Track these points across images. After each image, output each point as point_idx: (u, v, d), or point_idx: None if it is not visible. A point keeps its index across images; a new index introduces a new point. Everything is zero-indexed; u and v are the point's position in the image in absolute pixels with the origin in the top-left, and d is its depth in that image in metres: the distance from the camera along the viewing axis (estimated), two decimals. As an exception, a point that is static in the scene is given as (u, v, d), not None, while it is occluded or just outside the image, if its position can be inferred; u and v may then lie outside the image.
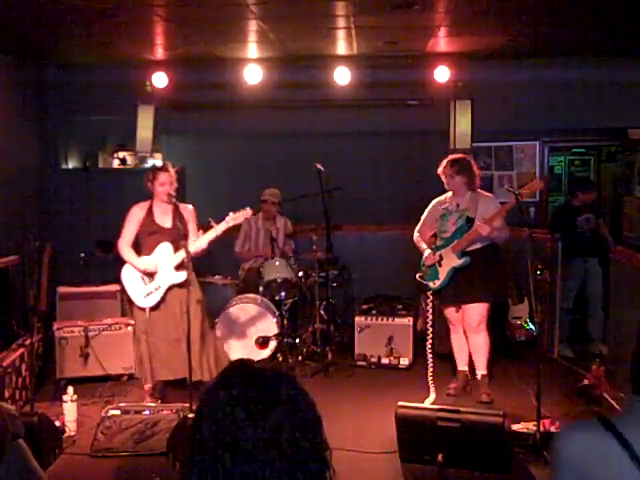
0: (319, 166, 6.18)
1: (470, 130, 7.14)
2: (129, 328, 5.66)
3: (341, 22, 5.74)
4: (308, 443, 1.29)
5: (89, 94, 7.52)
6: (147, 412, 4.57)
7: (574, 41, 6.56)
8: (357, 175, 7.88)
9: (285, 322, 6.32)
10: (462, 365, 5.52)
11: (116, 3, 4.89)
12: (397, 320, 6.34)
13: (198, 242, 5.09)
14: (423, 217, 5.58)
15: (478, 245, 5.23)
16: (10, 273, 6.04)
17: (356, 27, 5.83)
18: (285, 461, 1.26)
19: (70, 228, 7.31)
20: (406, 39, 6.33)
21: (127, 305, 5.46)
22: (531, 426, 4.48)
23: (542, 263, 4.98)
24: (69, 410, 4.71)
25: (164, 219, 5.19)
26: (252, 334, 6.13)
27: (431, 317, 5.45)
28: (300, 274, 6.57)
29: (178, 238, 5.04)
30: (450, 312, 5.44)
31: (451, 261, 5.28)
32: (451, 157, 5.47)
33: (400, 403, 4.15)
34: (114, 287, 6.23)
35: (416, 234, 5.59)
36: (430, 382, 5.34)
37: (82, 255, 6.70)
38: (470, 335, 5.34)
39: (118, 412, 4.55)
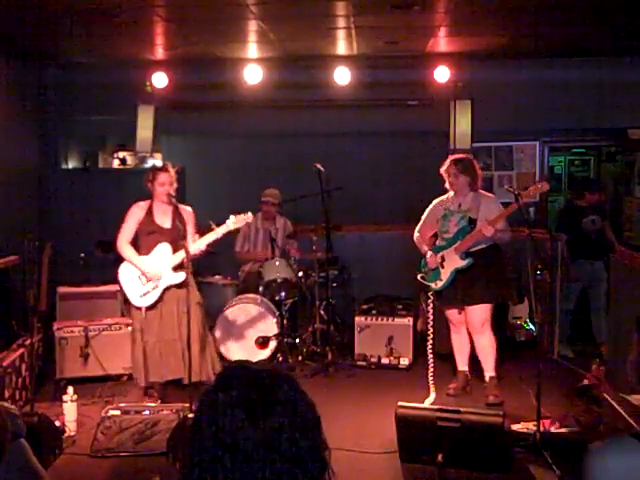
0: (319, 166, 6.18)
1: (470, 130, 7.14)
2: (129, 328, 5.65)
3: (341, 22, 5.74)
4: (308, 443, 1.29)
5: (89, 94, 7.52)
6: (147, 412, 4.57)
7: (574, 41, 6.56)
8: (357, 175, 7.88)
9: (285, 322, 6.31)
10: (462, 365, 5.51)
11: (116, 3, 4.89)
12: (397, 320, 6.34)
13: (197, 244, 5.09)
14: (424, 217, 5.55)
15: (481, 246, 5.21)
16: (10, 273, 6.04)
17: (356, 27, 5.83)
18: (285, 462, 1.26)
19: (70, 228, 7.32)
20: (406, 39, 6.34)
21: (124, 304, 5.46)
22: (531, 426, 4.48)
23: (542, 263, 4.97)
24: (69, 410, 4.70)
25: (164, 219, 5.18)
26: (252, 334, 6.14)
27: (432, 317, 5.45)
28: (300, 274, 6.57)
29: (177, 239, 5.04)
30: (452, 313, 5.43)
31: (454, 262, 5.25)
32: (454, 157, 5.44)
33: (400, 403, 4.15)
34: (114, 287, 6.20)
35: (416, 234, 5.57)
36: (430, 382, 5.34)
37: (82, 255, 6.70)
38: (475, 336, 5.33)
39: (118, 412, 4.55)
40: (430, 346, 5.41)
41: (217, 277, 6.78)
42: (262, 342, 6.10)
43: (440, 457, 3.90)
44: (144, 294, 5.10)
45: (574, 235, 6.45)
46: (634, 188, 7.96)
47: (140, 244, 5.17)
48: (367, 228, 7.86)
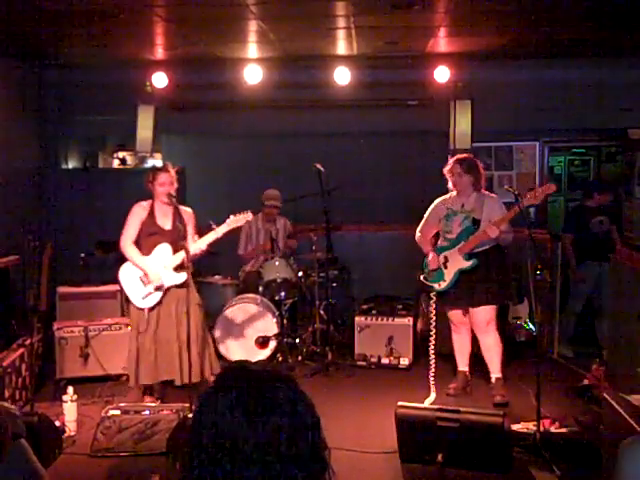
0: (319, 166, 6.19)
1: (470, 130, 7.14)
2: (129, 328, 5.65)
3: (341, 22, 5.74)
4: (307, 444, 1.29)
5: (89, 94, 7.52)
6: (147, 412, 4.57)
7: (574, 41, 6.55)
8: (357, 175, 7.89)
9: (285, 322, 6.32)
10: (462, 365, 5.51)
11: (116, 3, 4.89)
12: (397, 320, 6.34)
13: (198, 244, 5.09)
14: (425, 217, 5.52)
15: (484, 247, 5.18)
16: (10, 273, 6.04)
17: (356, 27, 5.83)
18: (284, 462, 1.26)
19: (70, 228, 7.32)
20: (406, 39, 6.33)
21: (125, 304, 5.46)
22: (531, 426, 4.48)
23: (542, 263, 4.97)
24: (69, 410, 4.71)
25: (164, 221, 5.18)
26: (252, 334, 6.14)
27: (434, 318, 5.43)
28: (300, 274, 6.58)
29: (177, 239, 5.04)
30: (455, 314, 5.41)
31: (457, 263, 5.23)
32: (458, 156, 5.40)
33: (400, 403, 4.15)
34: (114, 287, 6.21)
35: (418, 234, 5.54)
36: (432, 382, 5.34)
37: (82, 255, 6.70)
38: (480, 337, 5.32)
39: (118, 412, 4.55)
40: (432, 346, 5.41)
41: (217, 277, 6.78)
42: (262, 342, 6.11)
43: (440, 457, 3.90)
44: (146, 295, 5.10)
45: (582, 236, 6.39)
46: (634, 188, 7.96)
47: (141, 245, 5.17)
48: (367, 228, 7.86)
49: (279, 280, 6.30)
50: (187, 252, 4.82)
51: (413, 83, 7.37)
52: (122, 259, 5.25)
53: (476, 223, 5.20)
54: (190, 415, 4.31)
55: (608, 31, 6.12)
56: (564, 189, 9.45)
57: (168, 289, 5.11)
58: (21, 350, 5.29)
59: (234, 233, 6.42)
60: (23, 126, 7.18)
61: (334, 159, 6.99)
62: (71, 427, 4.68)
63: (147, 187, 5.17)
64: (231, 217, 5.11)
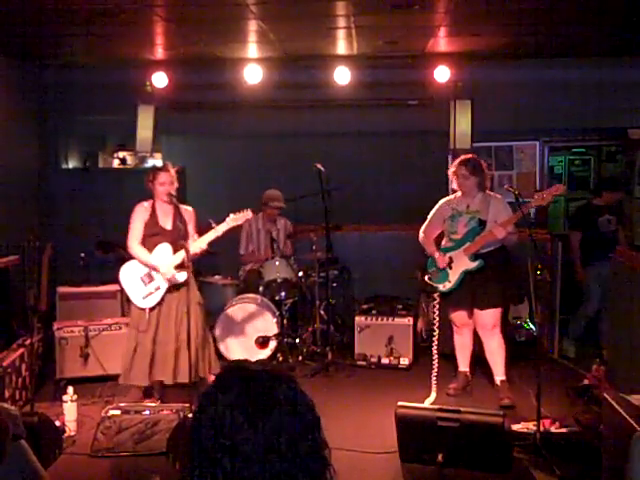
0: (319, 166, 6.18)
1: (470, 130, 7.13)
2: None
3: (341, 22, 5.74)
4: (308, 444, 1.29)
5: (89, 94, 7.51)
6: (147, 412, 4.57)
7: (574, 41, 6.56)
8: (357, 175, 7.89)
9: (285, 322, 6.32)
10: (463, 366, 5.51)
11: (116, 3, 4.89)
12: (397, 320, 6.34)
13: (198, 242, 5.10)
14: (429, 217, 5.48)
15: (490, 248, 5.16)
16: (10, 273, 6.04)
17: (356, 27, 5.83)
18: (285, 462, 1.26)
19: (70, 228, 7.32)
20: (406, 39, 6.33)
21: (126, 304, 5.45)
22: (531, 426, 4.48)
23: (542, 263, 4.97)
24: (69, 410, 4.71)
25: (165, 220, 5.19)
26: (252, 334, 6.14)
27: (437, 319, 5.41)
28: (300, 274, 6.58)
29: (178, 239, 5.05)
30: (458, 315, 5.38)
31: (463, 264, 5.21)
32: (463, 157, 5.35)
33: (400, 403, 4.15)
34: (114, 287, 6.21)
35: (421, 234, 5.49)
36: (433, 382, 5.33)
37: (82, 255, 6.70)
38: (485, 339, 5.30)
39: (118, 412, 4.55)
40: (435, 346, 5.41)
41: (217, 277, 6.78)
42: (262, 342, 6.11)
43: (440, 457, 3.90)
44: (147, 295, 5.11)
45: (589, 234, 6.33)
46: (634, 188, 7.96)
47: (143, 245, 5.17)
48: (367, 228, 7.86)
49: (279, 280, 6.30)
50: (187, 252, 4.83)
51: (413, 83, 7.37)
52: (122, 259, 5.25)
53: (482, 224, 5.18)
54: (190, 415, 4.31)
55: (608, 31, 6.13)
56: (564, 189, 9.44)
57: (169, 289, 5.11)
58: (21, 350, 5.29)
59: (234, 232, 6.43)
60: (23, 126, 7.18)
61: (334, 159, 6.98)
62: (71, 427, 4.68)
63: (147, 187, 5.17)
64: (231, 215, 5.12)
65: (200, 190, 7.62)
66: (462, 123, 7.14)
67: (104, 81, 7.35)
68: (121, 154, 8.26)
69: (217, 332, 6.10)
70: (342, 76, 7.04)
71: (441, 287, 5.33)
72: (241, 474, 1.25)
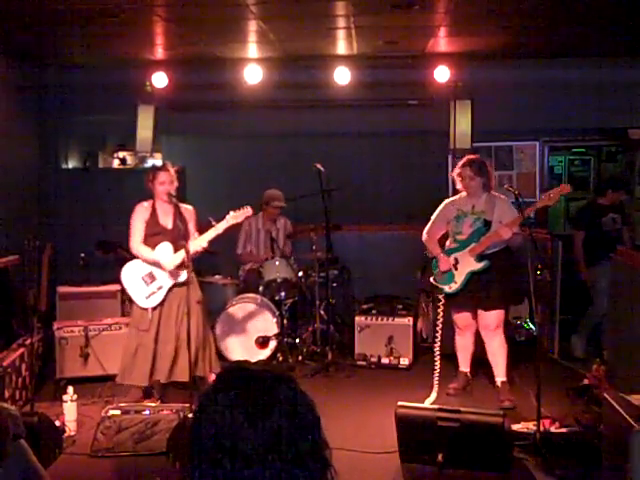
0: (319, 166, 6.19)
1: (470, 130, 7.13)
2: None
3: (341, 22, 5.74)
4: (308, 444, 1.29)
5: (89, 94, 7.51)
6: (147, 412, 4.57)
7: (574, 41, 6.56)
8: (357, 175, 7.89)
9: (285, 322, 6.32)
10: (464, 366, 5.50)
11: (116, 3, 4.89)
12: (397, 320, 6.34)
13: (199, 241, 5.10)
14: (433, 218, 5.45)
15: (495, 249, 5.14)
16: (10, 273, 6.04)
17: (356, 27, 5.83)
18: (285, 463, 1.26)
19: (70, 228, 7.31)
20: (406, 39, 6.33)
21: (129, 304, 5.45)
22: (531, 426, 4.48)
23: (542, 263, 4.97)
24: (69, 410, 4.71)
25: (166, 220, 5.20)
26: (252, 334, 6.14)
27: (442, 320, 5.39)
28: (300, 274, 6.57)
29: (179, 238, 5.05)
30: (462, 317, 5.36)
31: (468, 264, 5.18)
32: (468, 158, 5.32)
33: (400, 403, 4.15)
34: (114, 287, 6.23)
35: (425, 235, 5.46)
36: (435, 382, 5.33)
37: (82, 255, 6.70)
38: (487, 340, 5.29)
39: (118, 412, 4.55)
40: (438, 347, 5.40)
41: (217, 277, 6.78)
42: (262, 342, 6.11)
43: (440, 457, 3.90)
44: (149, 295, 5.11)
45: (594, 234, 6.29)
46: (634, 188, 7.96)
47: (145, 245, 5.17)
48: (367, 228, 7.86)
49: (279, 280, 6.30)
50: (187, 251, 4.83)
51: (413, 83, 7.37)
52: (122, 259, 5.25)
53: (487, 224, 5.15)
54: (190, 415, 4.32)
55: (608, 31, 6.12)
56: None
57: (171, 288, 5.12)
58: (21, 350, 5.29)
59: (235, 231, 6.44)
60: (23, 126, 7.18)
61: (334, 159, 6.98)
62: (71, 427, 4.68)
63: (147, 186, 5.18)
64: (231, 213, 5.13)
65: (200, 190, 7.62)
66: (462, 123, 7.14)
67: (104, 81, 7.34)
68: (121, 154, 8.26)
69: (217, 332, 6.09)
70: (342, 76, 7.03)
71: (447, 288, 5.29)
72: (241, 474, 1.25)
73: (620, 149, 8.82)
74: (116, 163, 8.32)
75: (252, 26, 5.78)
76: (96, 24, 5.52)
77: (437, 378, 5.36)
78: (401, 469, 4.14)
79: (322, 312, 6.59)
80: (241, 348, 6.13)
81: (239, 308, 6.22)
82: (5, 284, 6.03)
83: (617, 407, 3.35)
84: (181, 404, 4.67)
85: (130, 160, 8.26)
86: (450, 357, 5.73)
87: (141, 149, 7.38)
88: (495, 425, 3.92)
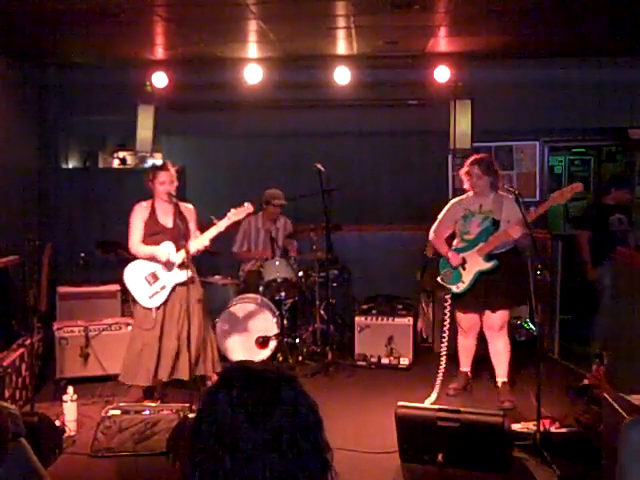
0: (319, 166, 6.18)
1: (470, 130, 7.13)
2: (129, 328, 5.66)
3: (341, 22, 5.74)
4: (309, 445, 1.29)
5: (89, 94, 7.51)
6: (147, 412, 4.56)
7: (574, 41, 6.56)
8: (357, 175, 7.89)
9: (285, 322, 6.32)
10: (465, 366, 5.49)
11: (116, 3, 4.89)
12: (397, 320, 6.34)
13: (200, 240, 5.11)
14: (440, 217, 5.41)
15: (504, 248, 5.11)
16: (10, 273, 6.04)
17: (356, 27, 5.83)
18: (285, 462, 1.26)
19: (70, 228, 7.32)
20: (406, 39, 6.34)
21: (131, 304, 5.44)
22: (531, 426, 4.48)
23: (542, 263, 4.96)
24: (69, 410, 4.71)
25: (166, 219, 5.20)
26: (252, 334, 6.14)
27: (449, 320, 5.37)
28: (300, 274, 6.57)
29: (179, 237, 5.05)
30: (468, 318, 5.31)
31: (477, 264, 5.15)
32: (476, 157, 5.30)
33: (400, 403, 4.15)
34: (114, 287, 6.23)
35: (432, 234, 5.43)
36: (438, 382, 5.33)
37: (82, 255, 6.70)
38: (492, 340, 5.27)
39: (118, 412, 4.55)
40: (444, 347, 5.38)
41: (217, 277, 6.78)
42: (262, 342, 6.11)
43: (440, 457, 3.90)
44: (153, 295, 5.11)
45: (600, 234, 6.23)
46: (634, 188, 7.96)
47: (145, 244, 5.17)
48: (367, 228, 7.86)
49: (279, 280, 6.30)
50: (187, 252, 4.84)
51: (413, 83, 7.37)
52: (122, 259, 5.26)
53: (495, 224, 5.13)
54: (190, 415, 4.32)
55: (608, 31, 6.12)
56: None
57: (174, 288, 5.12)
58: (21, 350, 5.29)
59: (236, 230, 6.45)
60: (23, 126, 7.18)
61: (334, 159, 6.98)
62: (71, 427, 4.68)
63: (147, 186, 5.18)
64: (232, 210, 5.14)
65: (200, 190, 7.63)
66: (462, 123, 7.14)
67: (104, 81, 7.35)
68: (121, 154, 8.26)
69: (217, 332, 6.09)
70: (342, 76, 7.03)
71: (454, 288, 5.25)
72: (241, 472, 1.25)
73: (620, 149, 8.82)
74: (116, 163, 8.32)
75: (252, 26, 5.78)
76: (96, 24, 5.52)
77: (440, 379, 5.35)
78: (401, 469, 4.14)
79: (322, 312, 6.59)
80: (241, 348, 6.13)
81: (239, 308, 6.22)
82: (5, 284, 6.03)
83: (617, 407, 3.35)
84: (181, 404, 4.67)
85: (130, 160, 8.26)
86: (450, 357, 5.72)
87: (141, 149, 7.38)
88: (495, 425, 3.92)
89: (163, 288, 5.12)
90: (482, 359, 5.52)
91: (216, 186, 8.09)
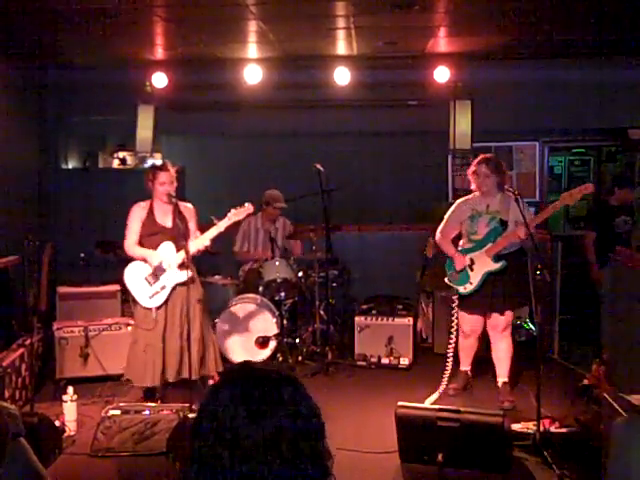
0: (319, 166, 6.18)
1: (470, 130, 7.13)
2: (129, 328, 5.66)
3: (341, 22, 5.74)
4: (308, 448, 1.29)
5: (89, 94, 7.52)
6: (147, 412, 4.57)
7: (574, 41, 6.56)
8: (357, 175, 7.89)
9: (285, 322, 6.32)
10: (465, 365, 5.49)
11: (116, 3, 4.89)
12: (397, 320, 6.34)
13: (200, 240, 5.10)
14: (446, 218, 5.37)
15: (511, 249, 5.08)
16: (10, 273, 6.04)
17: (356, 27, 5.83)
18: (284, 463, 1.26)
19: (70, 228, 7.32)
20: (406, 39, 6.33)
21: (132, 305, 5.45)
22: (531, 426, 4.48)
23: (542, 263, 4.96)
24: (69, 410, 4.71)
25: (165, 219, 5.20)
26: (252, 334, 6.14)
27: (456, 321, 5.35)
28: (300, 274, 6.57)
29: (179, 237, 5.05)
30: (472, 320, 5.28)
31: (485, 265, 5.12)
32: (483, 156, 5.27)
33: (400, 403, 4.16)
34: (114, 287, 6.23)
35: (438, 235, 5.39)
36: (443, 383, 5.32)
37: (82, 255, 6.70)
38: (495, 341, 5.27)
39: (118, 412, 4.55)
40: (451, 348, 5.38)
41: (217, 277, 6.78)
42: (262, 342, 6.10)
43: (440, 457, 3.90)
44: (153, 295, 5.11)
45: (605, 235, 6.19)
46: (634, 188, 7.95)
47: (143, 245, 5.18)
48: (367, 228, 7.86)
49: (279, 280, 6.30)
50: (187, 252, 4.84)
51: (413, 83, 7.37)
52: (123, 259, 5.25)
53: (503, 224, 5.10)
54: (190, 415, 4.32)
55: (609, 31, 6.12)
56: (564, 189, 9.45)
57: (174, 287, 5.12)
58: (21, 350, 5.29)
59: (236, 230, 6.45)
60: (23, 126, 7.18)
61: (334, 159, 6.99)
62: (71, 427, 4.68)
63: (147, 185, 5.18)
64: (232, 211, 5.13)
65: (200, 190, 7.63)
66: (462, 123, 7.14)
67: (104, 81, 7.34)
68: (121, 154, 8.26)
69: (217, 332, 6.09)
70: (342, 76, 7.03)
71: (462, 289, 5.22)
72: (240, 469, 1.25)
73: (620, 149, 8.81)
74: (116, 163, 8.32)
75: (252, 26, 5.78)
76: (96, 24, 5.52)
77: (445, 380, 5.33)
78: (401, 469, 4.14)
79: (322, 312, 6.59)
80: (241, 348, 6.12)
81: (239, 308, 6.22)
82: (5, 284, 6.03)
83: (617, 407, 3.35)
84: (181, 404, 4.67)
85: (130, 160, 8.26)
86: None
87: (141, 149, 7.39)
88: (495, 425, 3.92)
89: (163, 288, 5.12)
90: (482, 359, 5.52)
91: (216, 186, 8.09)
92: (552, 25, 5.89)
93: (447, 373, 5.37)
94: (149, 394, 5.22)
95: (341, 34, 6.14)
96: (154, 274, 5.13)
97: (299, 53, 6.86)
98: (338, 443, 4.15)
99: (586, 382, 5.25)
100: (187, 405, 4.55)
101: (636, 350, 4.92)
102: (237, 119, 7.80)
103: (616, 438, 1.78)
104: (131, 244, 5.15)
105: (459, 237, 5.39)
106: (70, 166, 8.14)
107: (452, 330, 5.40)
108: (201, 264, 5.64)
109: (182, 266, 5.04)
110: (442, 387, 5.33)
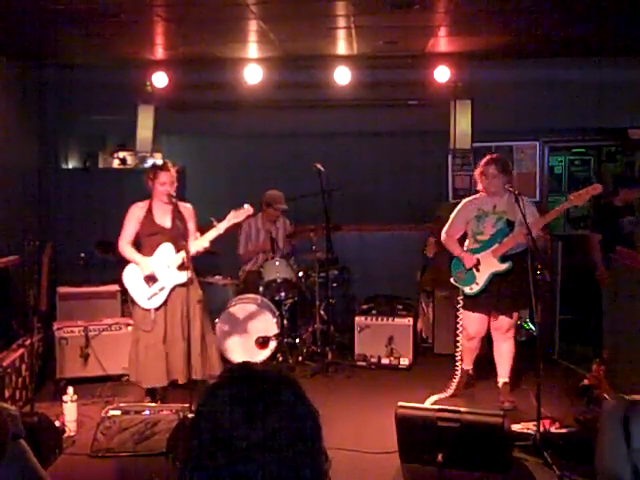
0: (319, 166, 6.19)
1: (470, 130, 7.12)
2: (129, 328, 5.66)
3: (341, 22, 5.74)
4: (305, 450, 1.29)
5: (89, 94, 7.51)
6: (147, 412, 4.57)
7: (574, 41, 6.55)
8: (357, 175, 7.88)
9: (285, 322, 6.32)
10: (467, 364, 5.48)
11: (116, 3, 4.89)
12: (397, 320, 6.34)
13: (200, 241, 5.10)
14: (452, 217, 5.34)
15: (518, 250, 5.06)
16: (10, 273, 6.04)
17: (356, 27, 5.83)
18: (280, 465, 1.26)
19: (70, 228, 7.32)
20: (406, 39, 6.33)
21: (130, 305, 5.46)
22: (531, 426, 4.49)
23: (542, 263, 4.95)
24: (69, 410, 4.71)
25: (164, 219, 5.19)
26: (252, 334, 6.14)
27: (462, 323, 5.33)
28: (300, 274, 6.57)
29: (178, 238, 5.05)
30: (476, 322, 5.24)
31: (491, 265, 5.09)
32: (491, 156, 5.24)
33: (400, 403, 4.16)
34: (114, 287, 6.23)
35: (444, 235, 5.35)
36: (453, 384, 5.31)
37: (82, 255, 6.70)
38: (498, 342, 5.26)
39: (118, 412, 4.55)
40: (460, 353, 5.36)
41: (217, 277, 6.78)
42: (262, 342, 6.11)
43: (440, 457, 3.90)
44: (152, 296, 5.11)
45: (611, 236, 6.12)
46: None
47: (142, 245, 5.18)
48: (367, 228, 7.86)
49: (279, 280, 6.30)
50: (187, 252, 4.84)
51: (413, 83, 7.36)
52: (122, 260, 5.26)
53: (510, 225, 5.08)
54: (190, 415, 4.32)
55: (608, 31, 6.12)
56: (564, 189, 9.45)
57: (173, 288, 5.12)
58: (21, 350, 5.29)
59: (236, 231, 6.44)
60: (23, 126, 7.18)
61: (334, 159, 6.99)
62: (71, 427, 4.68)
63: (147, 185, 5.17)
64: (232, 212, 5.14)
65: (200, 190, 7.62)
66: (462, 123, 7.13)
67: (104, 81, 7.34)
68: (121, 154, 8.26)
69: (217, 332, 6.09)
70: (342, 76, 7.03)
71: (467, 289, 5.19)
72: (235, 469, 1.25)
73: (620, 149, 8.81)
74: (116, 163, 8.32)
75: (252, 26, 5.77)
76: (96, 24, 5.52)
77: (454, 384, 5.31)
78: (401, 469, 4.14)
79: (322, 312, 6.59)
80: (241, 348, 6.13)
81: (239, 308, 6.22)
82: (5, 284, 6.03)
83: (617, 407, 3.35)
84: (181, 404, 4.67)
85: (130, 160, 8.26)
86: (450, 357, 5.72)
87: (141, 149, 7.38)
88: (495, 425, 3.92)
89: (162, 289, 5.11)
90: (483, 359, 5.52)
91: (216, 186, 8.09)
92: (552, 25, 5.89)
93: (456, 377, 5.33)
94: (152, 394, 5.22)
95: (341, 34, 6.13)
96: (152, 276, 5.13)
97: (299, 53, 6.86)
98: (338, 443, 4.16)
99: (586, 382, 5.25)
100: (187, 405, 4.55)
101: (636, 350, 4.92)
102: (237, 119, 7.80)
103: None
104: (123, 244, 5.15)
105: (464, 238, 5.37)
106: (70, 166, 8.14)
107: (458, 332, 5.37)
108: (201, 264, 5.64)
109: (182, 267, 5.04)
110: (450, 391, 5.30)
